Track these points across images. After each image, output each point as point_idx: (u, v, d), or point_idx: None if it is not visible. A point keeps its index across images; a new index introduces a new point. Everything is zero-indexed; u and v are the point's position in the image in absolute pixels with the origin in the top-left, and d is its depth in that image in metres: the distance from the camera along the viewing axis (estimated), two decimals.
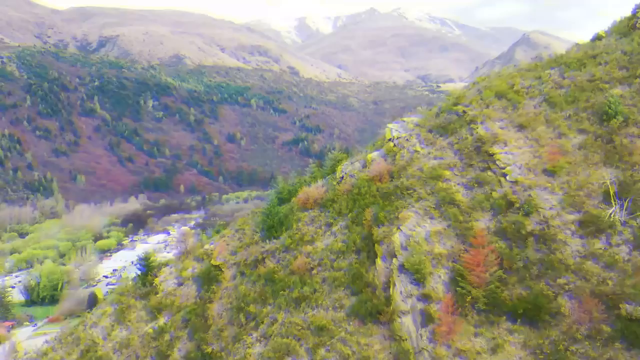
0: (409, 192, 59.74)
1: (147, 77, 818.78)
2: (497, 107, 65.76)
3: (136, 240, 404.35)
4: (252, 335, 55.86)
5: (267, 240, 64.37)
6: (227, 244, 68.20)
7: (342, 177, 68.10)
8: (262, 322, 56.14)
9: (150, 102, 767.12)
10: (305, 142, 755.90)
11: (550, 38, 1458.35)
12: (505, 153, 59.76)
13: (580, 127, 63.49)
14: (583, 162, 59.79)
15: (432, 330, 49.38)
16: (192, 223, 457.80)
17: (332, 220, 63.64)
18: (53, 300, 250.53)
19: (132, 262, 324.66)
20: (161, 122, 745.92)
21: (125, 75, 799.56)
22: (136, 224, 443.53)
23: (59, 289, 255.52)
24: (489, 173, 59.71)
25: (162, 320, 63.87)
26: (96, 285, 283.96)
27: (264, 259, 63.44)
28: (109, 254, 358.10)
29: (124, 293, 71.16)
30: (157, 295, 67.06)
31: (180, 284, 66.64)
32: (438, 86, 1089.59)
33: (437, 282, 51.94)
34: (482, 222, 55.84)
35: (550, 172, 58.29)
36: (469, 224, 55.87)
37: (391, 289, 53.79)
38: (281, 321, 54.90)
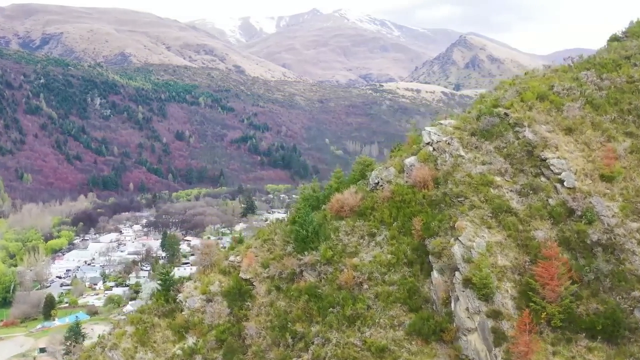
0: (459, 200, 56.20)
1: (94, 75, 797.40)
2: (540, 109, 62.79)
3: (88, 240, 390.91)
4: (301, 357, 51.55)
5: (304, 252, 59.77)
6: (256, 256, 63.25)
7: (378, 183, 64.12)
8: (312, 343, 51.79)
9: (97, 100, 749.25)
10: (254, 140, 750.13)
11: (485, 40, 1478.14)
12: (558, 158, 56.71)
13: (627, 130, 61.11)
14: (637, 167, 57.38)
15: (506, 350, 45.89)
16: (144, 221, 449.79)
17: (374, 230, 59.59)
18: (5, 303, 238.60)
19: (86, 262, 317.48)
20: (109, 120, 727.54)
21: (71, 73, 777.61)
22: (87, 223, 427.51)
23: (10, 292, 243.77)
24: (542, 179, 56.64)
25: (190, 341, 58.77)
26: (49, 286, 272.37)
27: (301, 272, 59.01)
28: (60, 254, 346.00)
29: (145, 311, 64.98)
30: (183, 313, 61.61)
31: (208, 301, 61.27)
32: (381, 85, 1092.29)
33: (505, 297, 48.58)
34: (542, 232, 52.74)
35: (608, 178, 55.55)
36: (529, 233, 52.68)
37: (453, 305, 50.20)
38: (335, 342, 50.57)
